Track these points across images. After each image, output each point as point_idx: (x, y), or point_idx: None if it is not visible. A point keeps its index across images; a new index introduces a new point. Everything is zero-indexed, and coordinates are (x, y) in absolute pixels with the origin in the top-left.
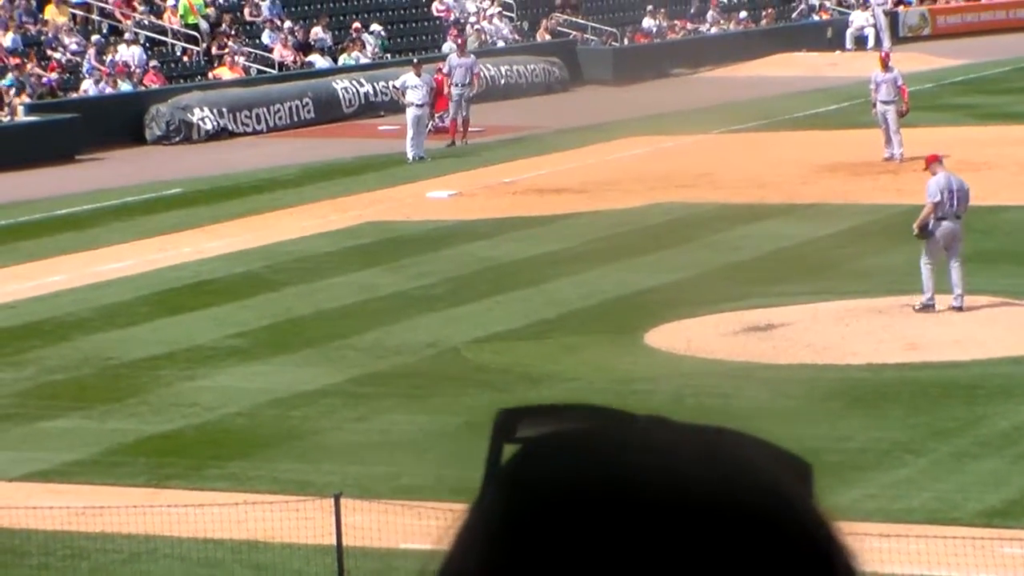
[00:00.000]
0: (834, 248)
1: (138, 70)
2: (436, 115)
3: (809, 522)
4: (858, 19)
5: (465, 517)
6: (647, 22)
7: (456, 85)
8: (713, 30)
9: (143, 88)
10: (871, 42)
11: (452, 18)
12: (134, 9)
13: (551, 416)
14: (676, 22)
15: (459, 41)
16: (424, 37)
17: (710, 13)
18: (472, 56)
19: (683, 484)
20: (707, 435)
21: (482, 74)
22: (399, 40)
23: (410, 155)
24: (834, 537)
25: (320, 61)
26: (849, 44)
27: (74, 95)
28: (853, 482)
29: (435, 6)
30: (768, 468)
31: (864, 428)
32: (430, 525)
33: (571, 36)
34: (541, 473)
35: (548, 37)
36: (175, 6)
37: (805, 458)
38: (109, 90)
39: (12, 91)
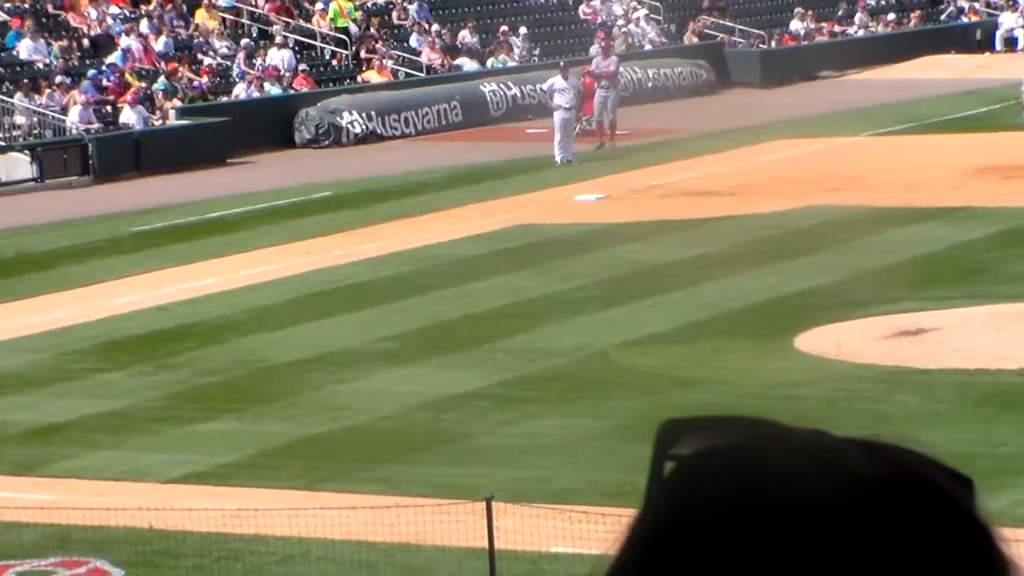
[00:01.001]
0: (984, 252)
1: (287, 74)
2: (583, 118)
3: (974, 531)
4: (1008, 20)
5: (629, 528)
6: (795, 24)
7: (601, 88)
8: (860, 32)
9: (292, 92)
10: (1021, 43)
11: (599, 21)
12: (285, 13)
13: (713, 429)
14: (823, 24)
15: (603, 44)
16: (571, 40)
17: (858, 15)
18: (615, 58)
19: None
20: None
21: (622, 76)
22: (546, 43)
23: (558, 158)
24: (1000, 548)
25: (468, 64)
26: (998, 46)
27: (224, 99)
28: (1006, 488)
29: (582, 9)
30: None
31: (1017, 434)
32: (581, 529)
33: (718, 39)
34: (701, 488)
35: (695, 40)
36: (324, 10)
37: (964, 472)
38: (256, 94)
39: (164, 95)
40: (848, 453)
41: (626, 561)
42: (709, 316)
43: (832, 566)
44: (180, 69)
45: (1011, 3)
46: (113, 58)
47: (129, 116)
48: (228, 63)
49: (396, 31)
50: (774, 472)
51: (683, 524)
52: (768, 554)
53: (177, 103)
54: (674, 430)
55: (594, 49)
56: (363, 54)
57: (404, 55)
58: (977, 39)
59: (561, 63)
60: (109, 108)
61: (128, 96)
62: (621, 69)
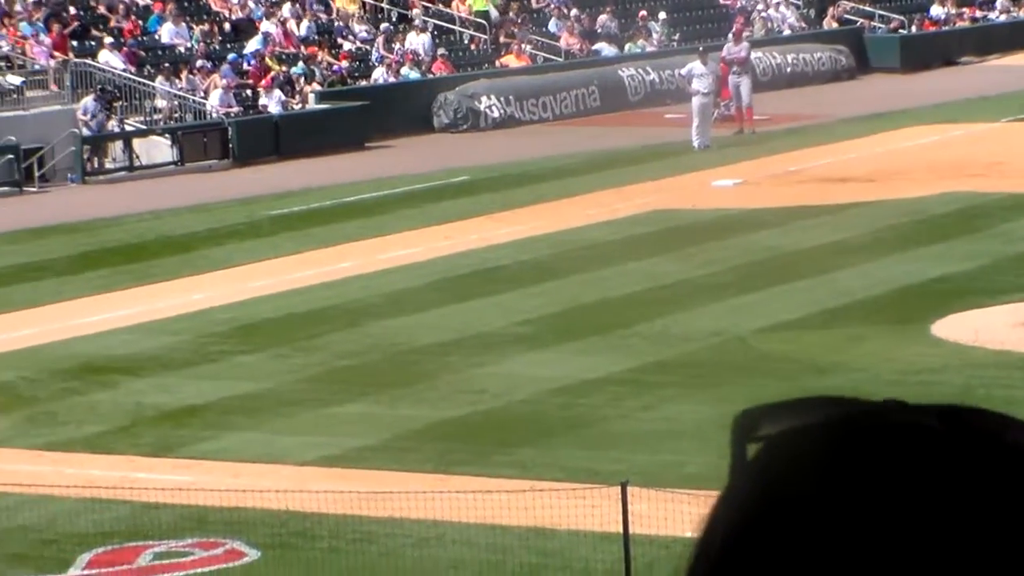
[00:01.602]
0: None
1: (426, 58)
2: (722, 103)
3: None
4: None
5: (713, 512)
6: (935, 10)
7: (733, 73)
8: (1002, 17)
9: (431, 76)
10: None
11: (738, 6)
12: None
13: (791, 412)
14: (964, 9)
15: (735, 29)
16: (710, 25)
17: (999, 0)
18: (746, 44)
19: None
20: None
21: (759, 61)
22: (685, 28)
23: (696, 143)
24: None
25: (606, 49)
26: None
27: (363, 83)
28: None
29: None
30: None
31: None
32: None
33: (858, 23)
34: (794, 465)
35: (835, 24)
36: None
37: None
38: (394, 79)
39: (304, 79)
40: (930, 422)
41: (718, 543)
42: (846, 302)
43: (940, 537)
44: (320, 53)
45: None
46: (254, 42)
47: (268, 100)
48: (367, 47)
49: (535, 16)
50: (862, 445)
51: (778, 502)
52: (872, 528)
53: (316, 87)
54: (751, 417)
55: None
56: (502, 39)
57: (543, 40)
58: None
59: (700, 48)
60: (249, 92)
61: (267, 80)
62: (756, 54)
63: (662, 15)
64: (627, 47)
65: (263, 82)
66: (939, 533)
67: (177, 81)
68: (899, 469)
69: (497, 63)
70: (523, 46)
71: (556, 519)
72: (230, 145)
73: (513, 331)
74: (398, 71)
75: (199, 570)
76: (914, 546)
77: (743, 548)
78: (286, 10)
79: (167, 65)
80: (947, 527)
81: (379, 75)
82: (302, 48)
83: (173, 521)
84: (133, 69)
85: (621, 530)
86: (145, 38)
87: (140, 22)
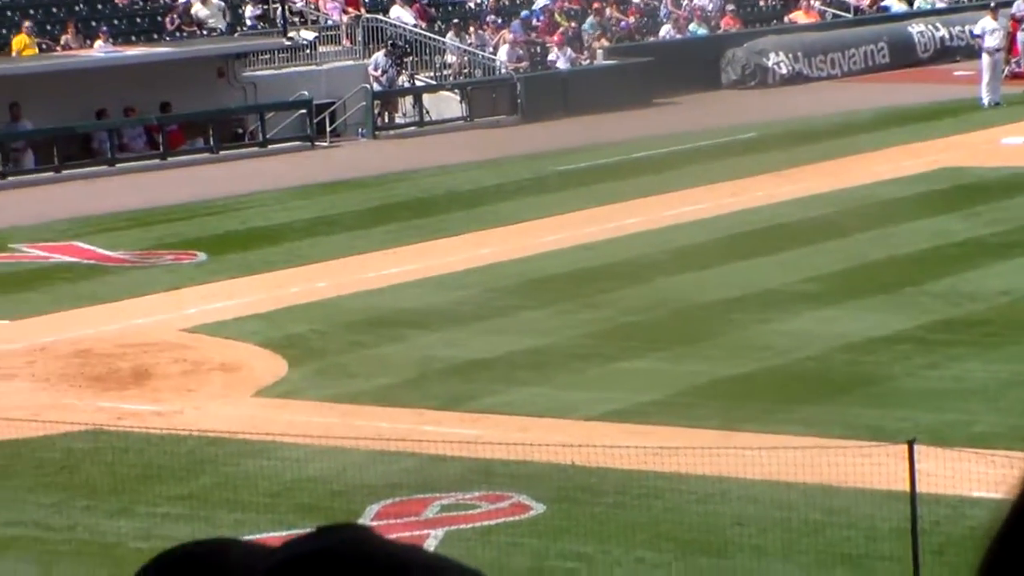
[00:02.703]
0: None
1: (714, 14)
2: (1013, 60)
3: None
4: None
5: None
6: None
7: (1022, 30)
8: None
9: (719, 32)
10: None
11: None
12: None
13: None
14: None
15: None
16: None
17: None
18: None
19: None
20: None
21: None
22: None
23: (985, 100)
24: None
25: (896, 5)
26: None
27: (651, 39)
28: None
29: None
30: None
31: None
32: (1003, 474)
33: None
34: None
35: None
36: None
37: None
38: (680, 35)
39: (592, 35)
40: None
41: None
42: None
43: None
44: (608, 9)
45: None
46: None
47: (557, 56)
48: (655, 3)
49: None
50: None
51: None
52: None
53: (604, 43)
54: None
55: None
56: None
57: None
58: None
59: (991, 4)
60: (537, 48)
61: (557, 36)
62: None
63: None
64: (916, 3)
65: (554, 38)
66: None
67: (467, 36)
68: None
69: (785, 19)
70: (812, 2)
71: (841, 476)
72: (518, 101)
73: (799, 288)
74: (685, 27)
75: (485, 523)
76: None
77: None
78: None
79: (457, 21)
80: None
81: (666, 31)
82: (591, 4)
83: (460, 474)
84: (424, 24)
85: (908, 488)
86: None
87: None
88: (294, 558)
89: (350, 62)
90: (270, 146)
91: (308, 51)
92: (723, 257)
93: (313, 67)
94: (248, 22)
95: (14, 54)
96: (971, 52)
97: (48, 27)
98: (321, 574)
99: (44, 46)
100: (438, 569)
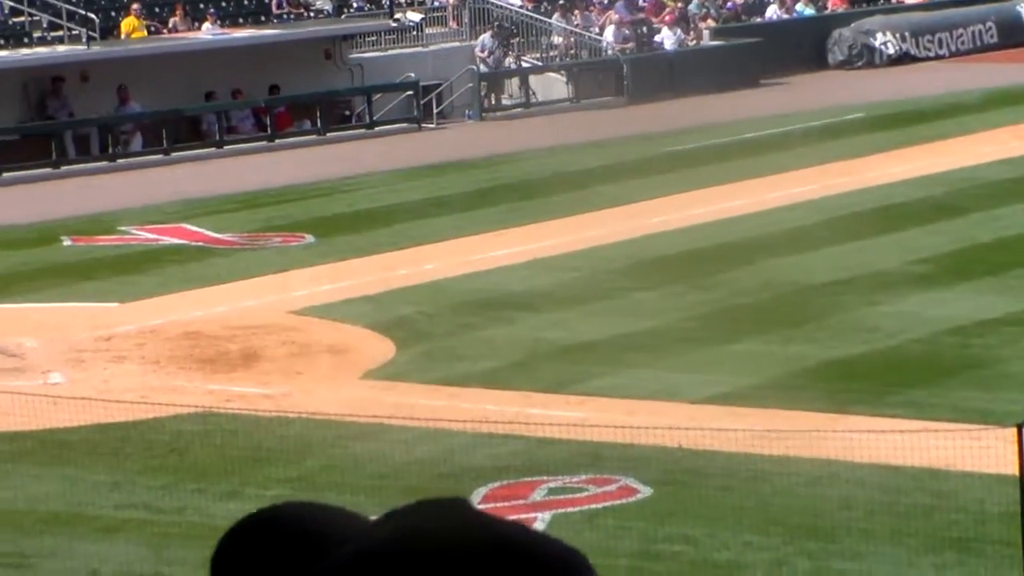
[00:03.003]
0: None
1: None
2: None
3: None
4: None
5: None
6: None
7: None
8: None
9: (826, 12)
10: None
11: None
12: None
13: None
14: None
15: None
16: None
17: None
18: None
19: None
20: None
21: None
22: None
23: None
24: None
25: None
26: None
27: (757, 19)
28: None
29: None
30: None
31: None
32: None
33: None
34: None
35: None
36: None
37: None
38: (786, 15)
39: (699, 15)
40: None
41: None
42: None
43: None
44: None
45: None
46: None
47: (666, 36)
48: None
49: None
50: None
51: None
52: None
53: (711, 24)
54: None
55: None
56: None
57: None
58: None
59: None
60: (643, 29)
61: (667, 16)
62: None
63: None
64: None
65: (665, 18)
66: None
67: (573, 17)
68: None
69: None
70: None
71: (950, 460)
72: (624, 82)
73: (908, 270)
74: (792, 7)
75: (592, 506)
76: None
77: None
78: None
79: (563, 2)
80: None
81: (773, 12)
82: None
83: (567, 457)
84: (530, 6)
85: (1017, 472)
86: None
87: None
88: (396, 537)
89: (456, 43)
90: (377, 128)
91: (415, 32)
92: (832, 239)
93: (420, 48)
94: (355, 4)
95: (123, 37)
96: None
97: (156, 10)
98: (422, 555)
99: (152, 29)
100: (536, 545)
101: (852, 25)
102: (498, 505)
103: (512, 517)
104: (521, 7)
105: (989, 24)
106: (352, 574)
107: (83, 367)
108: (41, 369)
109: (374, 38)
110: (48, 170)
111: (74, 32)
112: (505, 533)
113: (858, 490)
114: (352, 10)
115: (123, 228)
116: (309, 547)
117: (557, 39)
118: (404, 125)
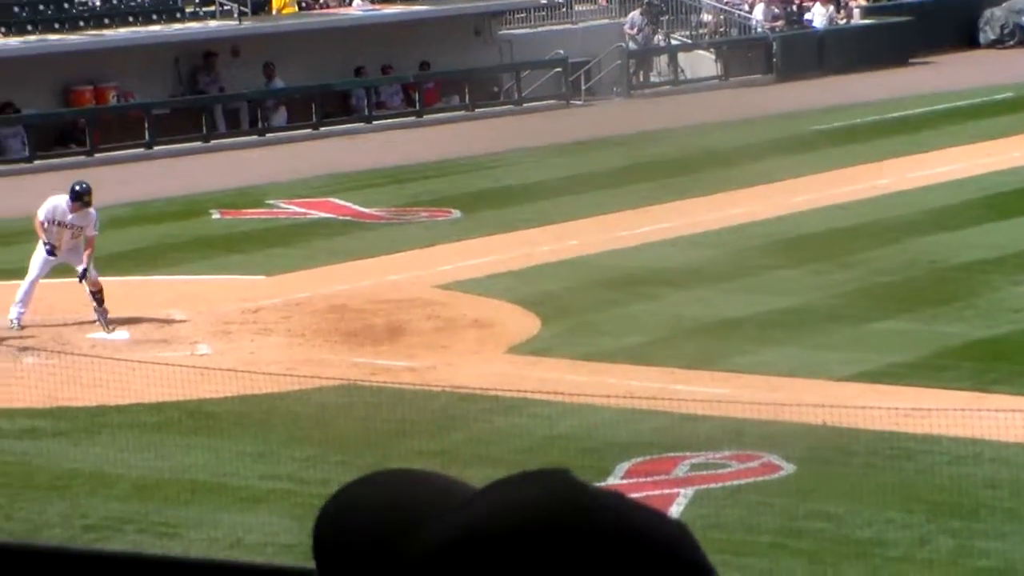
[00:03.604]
0: None
1: None
2: None
3: None
4: None
5: None
6: None
7: None
8: None
9: None
10: None
11: None
12: None
13: None
14: None
15: None
16: None
17: None
18: None
19: None
20: None
21: None
22: None
23: None
24: None
25: None
26: None
27: None
28: None
29: None
30: None
31: None
32: None
33: None
34: None
35: None
36: None
37: None
38: None
39: None
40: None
41: None
42: None
43: None
44: None
45: None
46: None
47: (816, 14)
48: None
49: None
50: None
51: None
52: None
53: (862, 2)
54: None
55: None
56: None
57: None
58: None
59: None
60: (794, 7)
61: None
62: None
63: None
64: None
65: None
66: None
67: None
68: None
69: None
70: None
71: None
72: (774, 60)
73: None
74: None
75: (735, 482)
76: None
77: None
78: None
79: None
80: None
81: None
82: None
83: (710, 432)
84: None
85: None
86: None
87: None
88: (499, 513)
89: (605, 21)
90: (525, 104)
91: (564, 10)
92: (978, 217)
93: (568, 26)
94: None
95: (274, 12)
96: None
97: None
98: (531, 536)
99: (303, 4)
100: (647, 529)
101: (1004, 4)
102: (640, 480)
103: (655, 492)
104: None
105: None
106: (443, 557)
107: (230, 339)
108: (189, 340)
109: (523, 15)
110: (198, 144)
111: (226, 7)
112: (615, 514)
113: (1003, 469)
114: None
115: (271, 202)
116: (400, 523)
117: (706, 17)
118: (552, 102)
